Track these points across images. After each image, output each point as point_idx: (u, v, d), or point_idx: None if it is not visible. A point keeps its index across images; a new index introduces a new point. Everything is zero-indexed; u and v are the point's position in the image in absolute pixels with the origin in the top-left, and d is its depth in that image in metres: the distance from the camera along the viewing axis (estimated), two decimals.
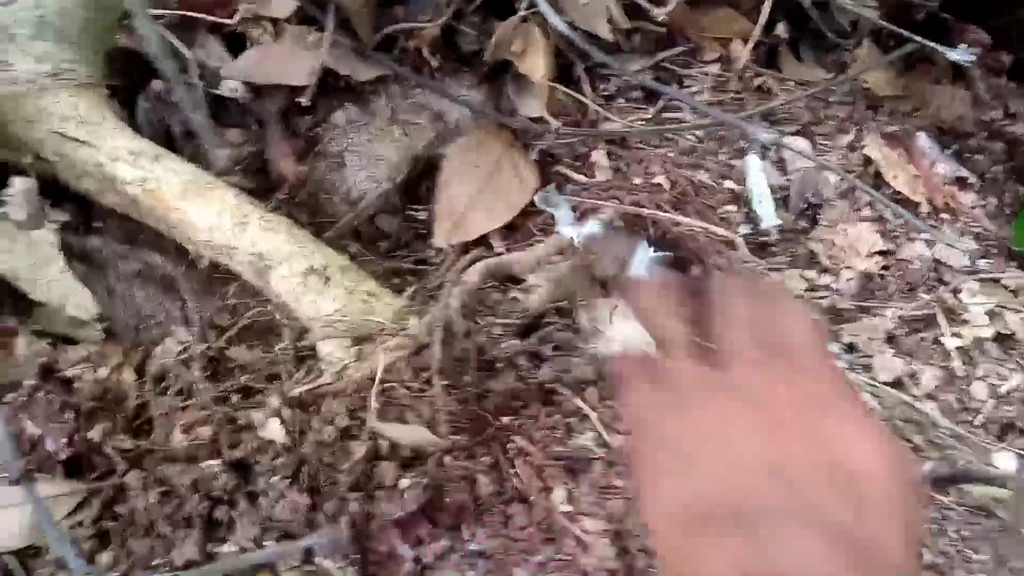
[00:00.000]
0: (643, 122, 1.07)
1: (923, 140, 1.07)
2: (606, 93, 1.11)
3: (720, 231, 0.93)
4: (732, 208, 0.99)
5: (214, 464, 0.73)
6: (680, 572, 0.44)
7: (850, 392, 0.49)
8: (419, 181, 0.98)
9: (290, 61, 0.94)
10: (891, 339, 0.88)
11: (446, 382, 0.77)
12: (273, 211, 0.84)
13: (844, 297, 0.91)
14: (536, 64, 1.00)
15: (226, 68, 0.96)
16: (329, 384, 0.75)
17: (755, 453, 0.45)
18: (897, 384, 0.85)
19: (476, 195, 0.94)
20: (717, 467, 0.46)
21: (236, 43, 1.00)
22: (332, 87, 0.98)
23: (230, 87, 0.95)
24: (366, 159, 0.95)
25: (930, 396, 0.85)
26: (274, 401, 0.74)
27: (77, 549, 0.64)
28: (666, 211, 0.95)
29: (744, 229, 0.97)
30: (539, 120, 1.01)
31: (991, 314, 0.89)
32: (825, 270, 0.94)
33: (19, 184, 0.84)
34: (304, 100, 0.90)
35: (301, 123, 0.96)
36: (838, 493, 0.43)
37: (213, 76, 0.96)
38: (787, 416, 0.46)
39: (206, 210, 0.80)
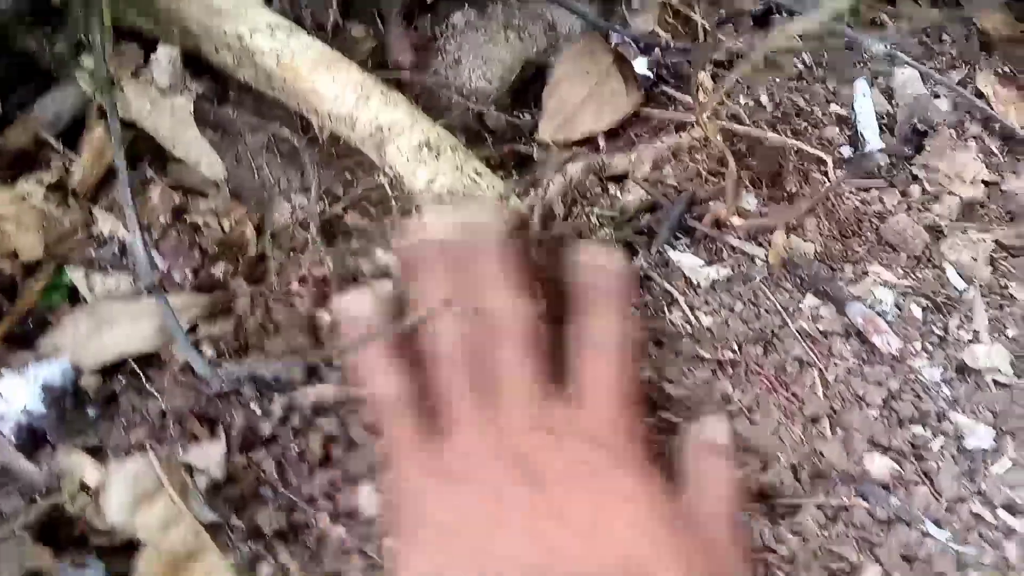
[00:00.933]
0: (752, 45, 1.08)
1: None
2: (717, 18, 1.13)
3: (811, 149, 0.93)
4: (836, 131, 1.00)
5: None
6: None
7: (628, 449, 0.42)
8: (528, 87, 1.02)
9: None
10: (991, 261, 0.88)
11: (546, 256, 0.80)
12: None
13: (944, 218, 0.91)
14: None
15: None
16: None
17: (515, 552, 0.40)
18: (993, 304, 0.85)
19: (585, 98, 0.98)
20: (472, 561, 0.41)
21: None
22: None
23: None
24: (481, 59, 0.99)
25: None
26: (381, 254, 0.79)
27: (201, 352, 0.70)
28: (761, 127, 0.96)
29: (847, 151, 0.97)
30: (650, 34, 1.04)
31: None
32: (926, 193, 0.93)
33: (163, 52, 0.91)
34: None
35: (421, 23, 1.01)
36: None
37: None
38: (557, 498, 0.40)
39: (333, 82, 0.86)
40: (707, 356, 0.75)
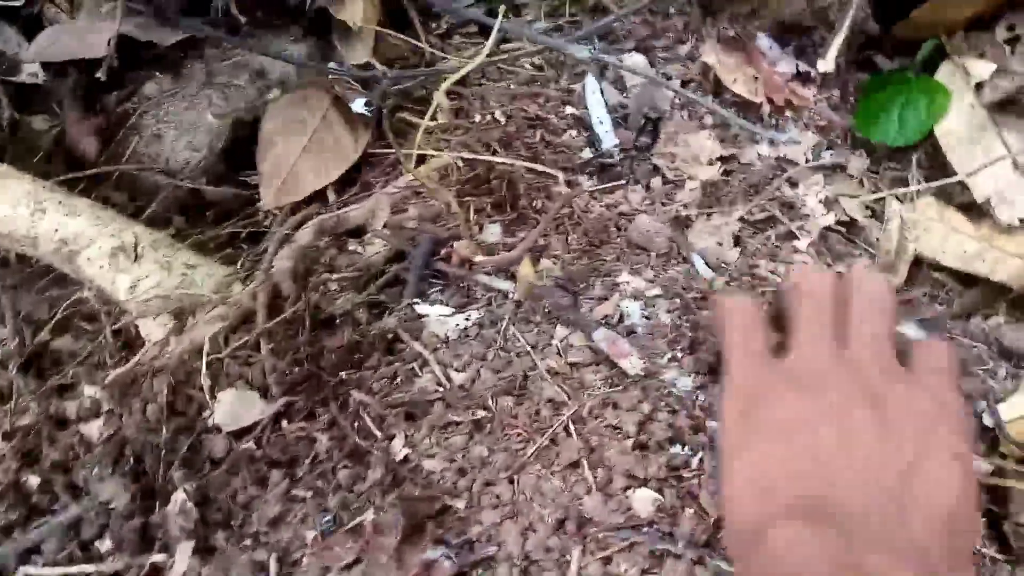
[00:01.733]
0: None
1: (763, 41, 1.05)
2: (440, 32, 1.08)
3: (540, 167, 0.90)
4: (574, 133, 0.97)
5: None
6: (757, 545, 0.44)
7: (953, 412, 0.48)
8: (246, 145, 0.94)
9: (87, 35, 0.89)
10: (737, 241, 0.87)
11: (274, 344, 0.74)
12: (79, 194, 0.80)
13: (690, 207, 0.90)
14: (354, 10, 0.97)
15: (23, 53, 0.91)
16: (146, 362, 0.72)
17: (859, 456, 0.45)
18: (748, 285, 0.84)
19: (304, 152, 0.91)
20: (815, 454, 0.46)
21: (36, 27, 0.95)
22: (142, 59, 0.93)
23: (29, 72, 0.90)
24: (183, 128, 0.91)
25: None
26: (88, 388, 0.71)
27: None
28: (496, 150, 0.92)
29: (587, 153, 0.95)
30: (367, 67, 0.97)
31: (828, 203, 0.89)
32: (668, 182, 0.92)
33: None
34: (101, 74, 0.85)
35: (109, 100, 0.92)
36: (923, 521, 0.43)
37: (13, 65, 0.91)
38: (896, 422, 0.46)
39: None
40: (460, 419, 0.71)
